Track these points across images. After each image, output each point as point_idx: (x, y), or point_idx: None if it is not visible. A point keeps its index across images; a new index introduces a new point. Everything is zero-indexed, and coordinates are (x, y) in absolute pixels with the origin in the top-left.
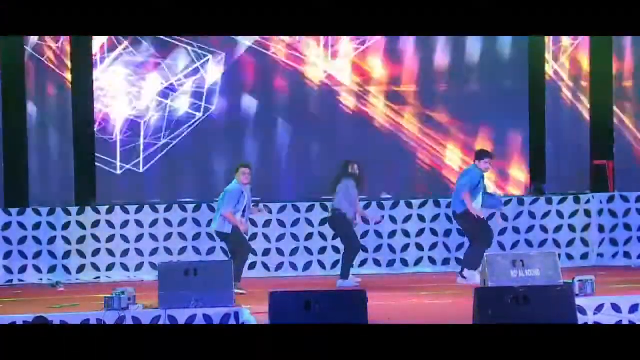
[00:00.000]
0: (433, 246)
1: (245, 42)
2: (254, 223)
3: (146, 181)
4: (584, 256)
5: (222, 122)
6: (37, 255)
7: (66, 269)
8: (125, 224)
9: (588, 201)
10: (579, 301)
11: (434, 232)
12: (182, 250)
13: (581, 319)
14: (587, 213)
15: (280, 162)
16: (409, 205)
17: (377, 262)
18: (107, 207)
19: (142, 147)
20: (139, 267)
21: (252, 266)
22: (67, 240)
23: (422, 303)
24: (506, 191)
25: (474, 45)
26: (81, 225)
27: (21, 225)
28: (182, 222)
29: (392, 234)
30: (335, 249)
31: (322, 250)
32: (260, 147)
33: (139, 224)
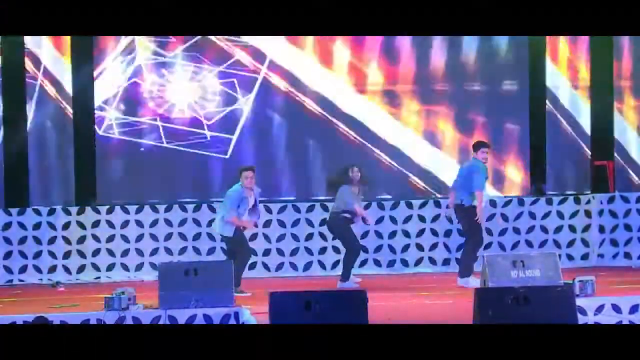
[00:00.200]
0: (433, 246)
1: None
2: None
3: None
4: (585, 257)
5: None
6: (37, 255)
7: (66, 269)
8: (125, 224)
9: (588, 202)
10: (579, 301)
11: (434, 233)
12: (182, 250)
13: (581, 320)
14: (588, 213)
15: (278, 161)
16: (409, 205)
17: (377, 263)
18: (107, 207)
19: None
20: (139, 267)
21: (252, 266)
22: (67, 240)
23: (422, 303)
24: (506, 191)
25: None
26: (81, 225)
27: (21, 225)
28: (182, 222)
29: (393, 235)
30: (336, 249)
31: (323, 250)
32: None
33: (139, 224)
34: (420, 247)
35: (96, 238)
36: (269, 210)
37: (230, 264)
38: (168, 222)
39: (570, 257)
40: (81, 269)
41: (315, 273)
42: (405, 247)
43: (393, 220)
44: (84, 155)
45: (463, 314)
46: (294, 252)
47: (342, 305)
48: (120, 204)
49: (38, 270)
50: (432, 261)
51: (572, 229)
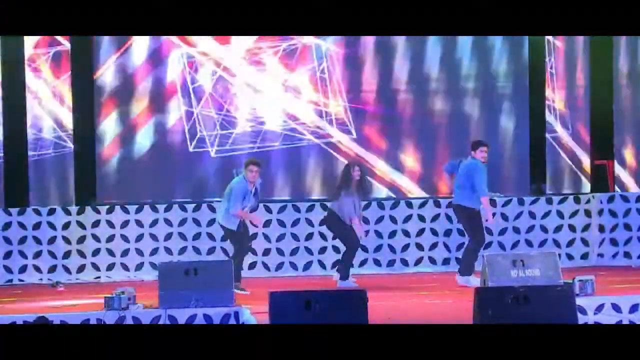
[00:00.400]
0: (433, 246)
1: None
2: None
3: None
4: (584, 256)
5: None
6: (37, 255)
7: (66, 269)
8: (125, 223)
9: (588, 201)
10: (579, 301)
11: (434, 232)
12: (182, 250)
13: (581, 319)
14: (587, 213)
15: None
16: (409, 205)
17: (377, 262)
18: (107, 207)
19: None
20: (139, 267)
21: (252, 266)
22: (67, 240)
23: (422, 303)
24: (506, 191)
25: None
26: (81, 225)
27: (21, 225)
28: (182, 222)
29: (392, 234)
30: (336, 249)
31: (322, 250)
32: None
33: (139, 223)
34: (420, 247)
35: (96, 238)
36: (269, 210)
37: (230, 264)
38: (168, 222)
39: (570, 257)
40: (81, 268)
41: (315, 273)
42: (405, 247)
43: (393, 219)
44: (84, 155)
45: (463, 313)
46: (293, 251)
47: (342, 305)
48: (120, 204)
49: (38, 270)
50: (432, 261)
51: (572, 228)
